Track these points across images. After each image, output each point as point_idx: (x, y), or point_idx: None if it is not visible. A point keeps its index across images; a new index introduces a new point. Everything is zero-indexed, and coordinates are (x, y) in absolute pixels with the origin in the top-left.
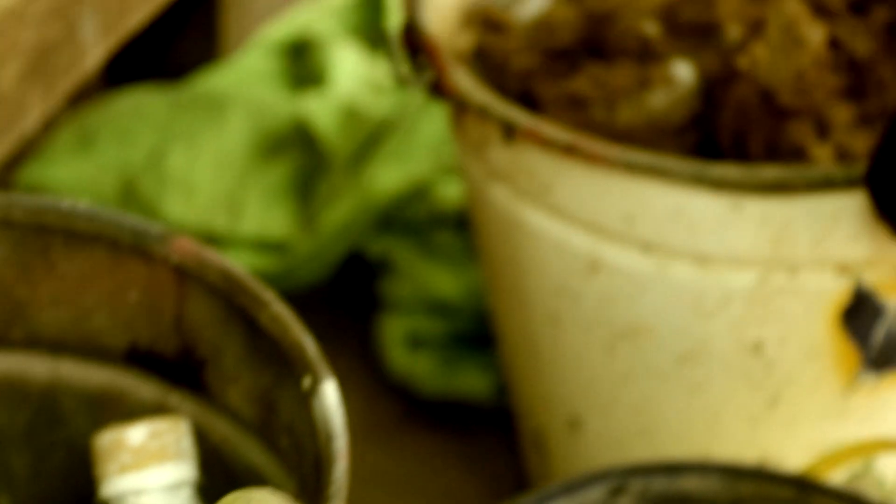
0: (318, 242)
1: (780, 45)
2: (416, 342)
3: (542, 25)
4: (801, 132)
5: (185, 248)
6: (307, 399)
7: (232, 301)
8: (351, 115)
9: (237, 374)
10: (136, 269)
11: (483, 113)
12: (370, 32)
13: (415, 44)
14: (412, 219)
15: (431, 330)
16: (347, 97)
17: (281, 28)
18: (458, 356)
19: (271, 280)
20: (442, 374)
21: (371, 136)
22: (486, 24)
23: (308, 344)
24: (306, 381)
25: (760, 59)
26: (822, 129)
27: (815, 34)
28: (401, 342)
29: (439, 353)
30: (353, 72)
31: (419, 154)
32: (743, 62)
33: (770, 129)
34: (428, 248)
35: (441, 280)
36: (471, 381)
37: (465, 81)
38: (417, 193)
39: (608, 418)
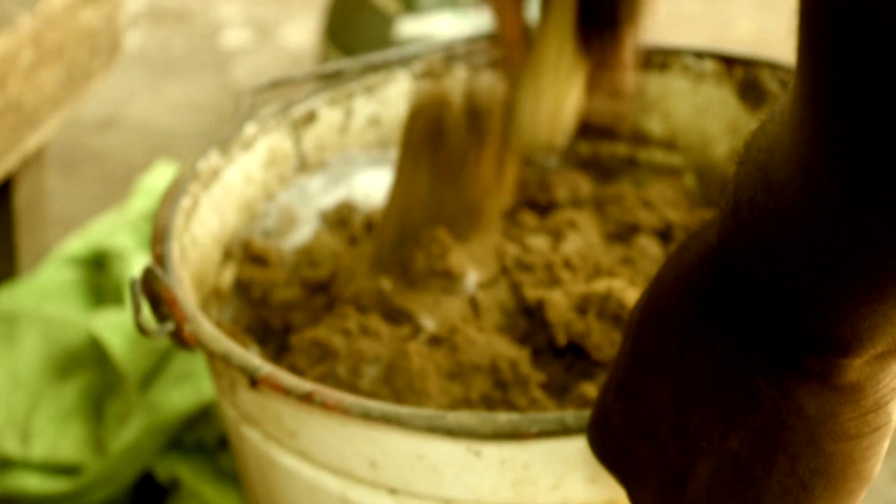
0: (109, 464)
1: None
2: None
3: (304, 256)
4: None
5: None
6: None
7: None
8: None
9: None
10: None
11: (226, 361)
12: None
13: (154, 293)
14: (200, 440)
15: None
16: None
17: (79, 241)
18: None
19: (63, 502)
20: None
21: (162, 356)
22: (248, 256)
23: None
24: None
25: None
26: None
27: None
28: None
29: None
30: None
31: (207, 376)
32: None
33: None
34: (215, 469)
35: (227, 502)
36: None
37: (207, 330)
38: (205, 415)
39: None
